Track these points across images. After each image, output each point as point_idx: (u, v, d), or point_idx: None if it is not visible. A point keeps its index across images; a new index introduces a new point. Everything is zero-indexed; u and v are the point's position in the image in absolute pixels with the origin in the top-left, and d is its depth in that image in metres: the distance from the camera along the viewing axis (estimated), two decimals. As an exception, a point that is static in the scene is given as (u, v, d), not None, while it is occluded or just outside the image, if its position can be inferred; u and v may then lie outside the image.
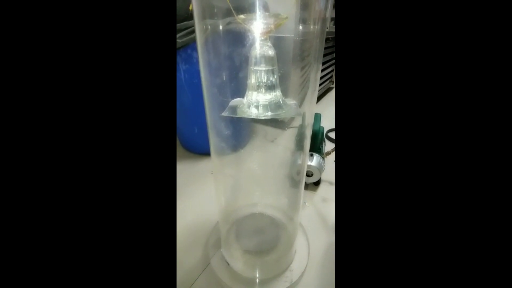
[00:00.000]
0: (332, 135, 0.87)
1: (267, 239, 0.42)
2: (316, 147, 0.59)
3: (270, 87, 0.26)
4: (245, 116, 0.26)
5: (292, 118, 0.35)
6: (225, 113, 0.27)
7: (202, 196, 0.56)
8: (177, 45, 0.53)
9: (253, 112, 0.26)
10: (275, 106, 0.26)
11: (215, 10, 0.24)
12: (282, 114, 0.26)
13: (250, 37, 0.24)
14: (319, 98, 1.29)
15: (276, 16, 0.23)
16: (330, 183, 0.60)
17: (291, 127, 0.36)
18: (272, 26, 0.23)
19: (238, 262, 0.38)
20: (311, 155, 0.55)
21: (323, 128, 0.65)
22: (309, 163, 0.53)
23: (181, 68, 0.57)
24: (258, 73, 0.25)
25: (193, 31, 0.53)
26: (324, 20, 0.25)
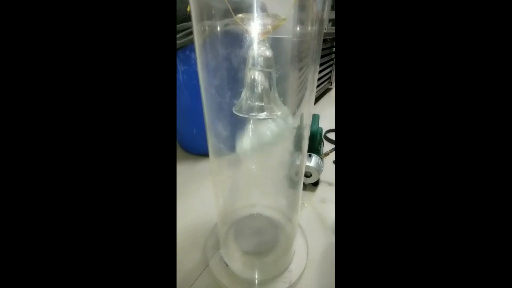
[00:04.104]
0: (331, 135, 0.87)
1: (266, 240, 0.42)
2: (314, 148, 0.59)
3: (268, 88, 0.26)
4: (241, 115, 0.26)
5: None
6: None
7: (201, 197, 0.56)
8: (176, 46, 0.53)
9: (251, 113, 0.26)
10: (272, 107, 0.26)
11: (213, 12, 0.24)
12: (279, 115, 0.26)
13: (248, 38, 0.25)
14: (318, 99, 1.29)
15: (274, 16, 0.23)
16: (329, 183, 0.60)
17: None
18: (270, 27, 0.23)
19: (237, 263, 0.38)
20: (310, 156, 0.55)
21: (322, 129, 0.65)
22: (307, 163, 0.53)
23: (180, 69, 0.57)
24: (256, 74, 0.25)
25: (191, 33, 0.53)
26: (321, 22, 0.25)
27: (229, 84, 0.29)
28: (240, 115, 0.26)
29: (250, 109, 0.26)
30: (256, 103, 0.26)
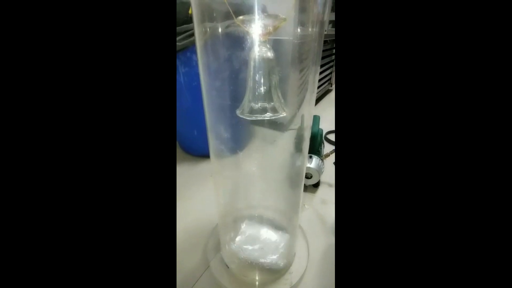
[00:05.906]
0: (331, 137, 0.87)
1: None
2: (315, 149, 0.59)
3: (269, 90, 0.26)
4: (244, 117, 0.26)
5: (291, 120, 0.35)
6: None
7: (202, 198, 0.56)
8: (177, 48, 0.54)
9: (252, 114, 0.26)
10: (273, 108, 0.26)
11: (214, 14, 0.24)
12: (284, 114, 0.26)
13: (249, 40, 0.25)
14: (318, 100, 1.29)
15: (275, 16, 0.23)
16: (329, 185, 0.60)
17: (290, 129, 0.36)
18: (271, 28, 0.23)
19: (238, 265, 0.38)
20: (310, 157, 0.55)
21: (322, 130, 0.65)
22: (308, 165, 0.53)
23: (181, 71, 0.57)
24: (257, 76, 0.25)
25: (193, 34, 0.53)
26: (322, 23, 0.25)
27: (230, 86, 0.29)
28: (244, 117, 0.26)
29: (254, 111, 0.26)
30: (260, 104, 0.26)
